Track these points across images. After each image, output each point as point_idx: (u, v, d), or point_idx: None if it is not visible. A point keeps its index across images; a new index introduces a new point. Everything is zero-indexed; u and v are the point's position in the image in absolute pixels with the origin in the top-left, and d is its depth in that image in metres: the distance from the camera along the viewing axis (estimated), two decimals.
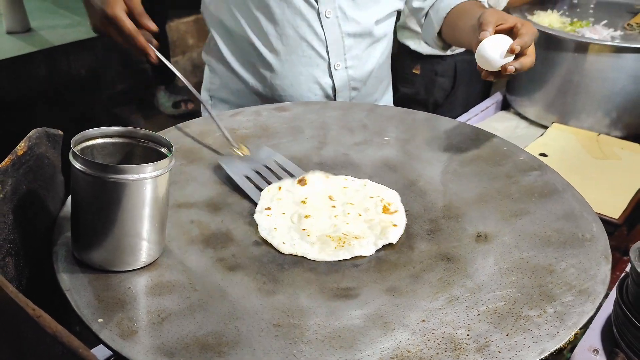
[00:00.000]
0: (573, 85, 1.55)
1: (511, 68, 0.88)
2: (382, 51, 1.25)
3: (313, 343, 0.61)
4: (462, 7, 1.16)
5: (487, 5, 1.21)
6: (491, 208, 0.84)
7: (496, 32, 0.92)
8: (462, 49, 1.83)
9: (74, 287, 0.66)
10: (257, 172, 0.90)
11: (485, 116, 1.71)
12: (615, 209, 1.14)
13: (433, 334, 0.62)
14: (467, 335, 0.62)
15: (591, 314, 0.64)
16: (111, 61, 2.92)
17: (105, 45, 2.85)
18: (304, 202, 0.84)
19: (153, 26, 0.94)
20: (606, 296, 0.90)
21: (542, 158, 1.29)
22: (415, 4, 1.24)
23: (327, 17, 1.14)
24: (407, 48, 1.92)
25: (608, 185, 1.22)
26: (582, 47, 1.51)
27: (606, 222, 1.11)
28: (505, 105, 1.78)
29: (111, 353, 0.61)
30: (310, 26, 1.14)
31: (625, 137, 1.49)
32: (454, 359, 0.59)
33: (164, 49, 2.91)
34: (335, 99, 1.21)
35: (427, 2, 1.23)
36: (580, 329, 0.63)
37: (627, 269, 0.82)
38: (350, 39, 1.18)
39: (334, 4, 1.14)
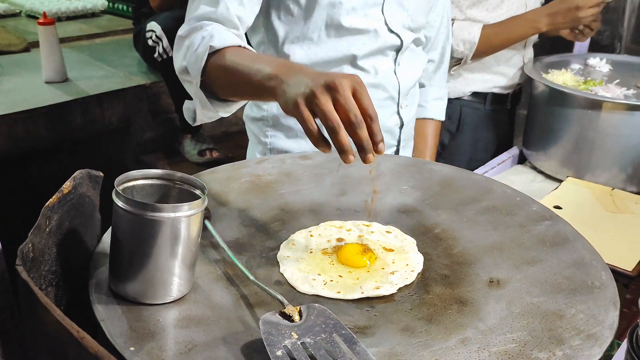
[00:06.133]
0: (588, 141, 1.60)
1: None
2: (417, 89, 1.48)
3: None
4: None
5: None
6: (504, 255, 0.88)
7: None
8: (469, 93, 1.91)
9: (108, 317, 0.71)
10: (303, 345, 0.66)
11: (501, 169, 1.76)
12: (629, 262, 1.16)
13: None
14: None
15: (598, 357, 0.66)
16: (141, 110, 3.05)
17: (136, 95, 2.99)
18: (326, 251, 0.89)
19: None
20: (618, 346, 0.92)
21: (556, 210, 1.32)
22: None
23: (399, 65, 1.31)
24: None
25: (622, 238, 1.24)
26: (596, 104, 1.56)
27: (621, 274, 1.13)
28: (521, 159, 1.82)
29: None
30: (387, 73, 1.30)
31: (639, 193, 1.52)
32: None
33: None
34: (400, 136, 1.36)
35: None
36: None
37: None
38: (412, 82, 1.36)
39: (405, 54, 1.31)
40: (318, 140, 0.78)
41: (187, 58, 1.04)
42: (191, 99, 1.08)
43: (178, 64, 1.07)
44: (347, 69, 1.26)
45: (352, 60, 1.24)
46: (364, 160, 0.78)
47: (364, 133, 0.76)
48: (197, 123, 1.08)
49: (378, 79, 1.29)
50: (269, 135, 1.33)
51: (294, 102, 0.80)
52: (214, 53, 1.00)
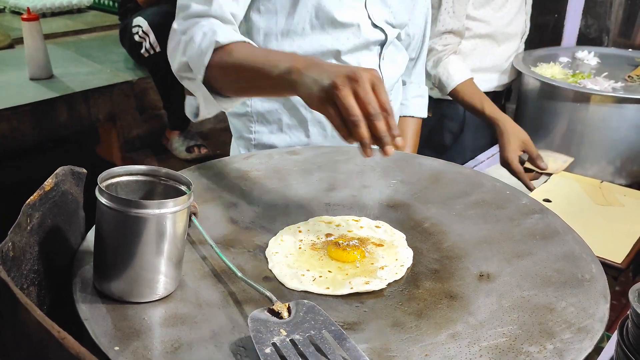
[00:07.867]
0: (576, 134, 1.60)
1: None
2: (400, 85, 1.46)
3: None
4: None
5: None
6: (494, 249, 0.87)
7: None
8: None
9: (92, 316, 0.70)
10: (292, 342, 0.65)
11: (491, 163, 1.75)
12: (618, 254, 1.16)
13: None
14: None
15: (589, 350, 0.66)
16: (128, 107, 3.02)
17: (122, 91, 2.96)
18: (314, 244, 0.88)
19: None
20: (608, 338, 0.91)
21: (546, 204, 1.32)
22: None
23: (382, 59, 1.30)
24: None
25: (611, 231, 1.25)
26: (585, 97, 1.57)
27: (610, 267, 1.13)
28: None
29: None
30: (372, 68, 1.28)
31: (628, 185, 1.53)
32: None
33: (181, 95, 3.01)
34: None
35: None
36: None
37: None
38: (396, 76, 1.36)
39: (389, 48, 1.30)
40: (347, 136, 0.80)
41: (187, 54, 1.01)
42: (181, 96, 1.07)
43: (177, 60, 1.04)
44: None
45: (337, 55, 1.22)
46: (385, 152, 0.80)
47: (382, 126, 0.78)
48: (200, 119, 1.06)
49: None
50: (253, 131, 1.31)
51: (317, 96, 0.81)
52: (218, 49, 0.98)
